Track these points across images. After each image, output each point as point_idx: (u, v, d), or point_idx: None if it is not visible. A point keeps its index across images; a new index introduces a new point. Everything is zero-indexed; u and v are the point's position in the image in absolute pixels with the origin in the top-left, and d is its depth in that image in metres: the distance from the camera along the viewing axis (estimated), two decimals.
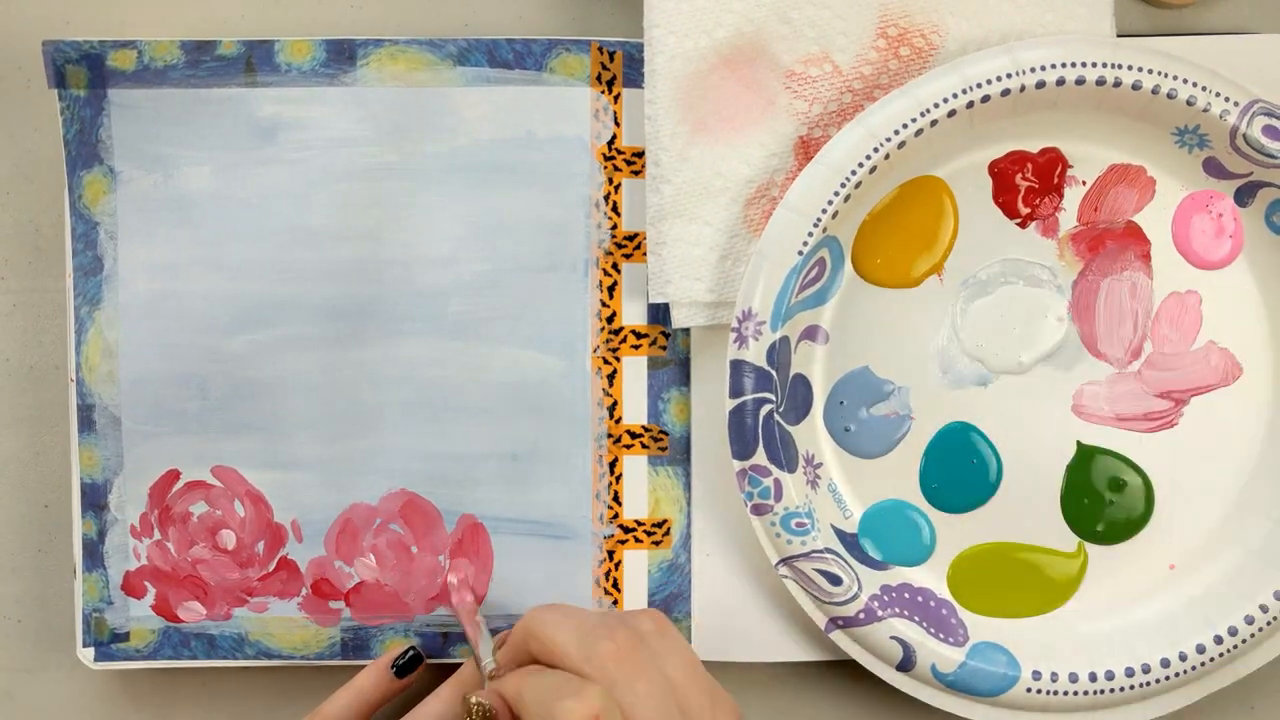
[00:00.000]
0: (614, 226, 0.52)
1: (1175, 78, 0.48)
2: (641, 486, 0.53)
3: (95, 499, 0.52)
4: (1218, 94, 0.48)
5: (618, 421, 0.52)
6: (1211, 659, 0.49)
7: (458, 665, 0.52)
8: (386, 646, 0.53)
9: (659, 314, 0.52)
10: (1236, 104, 0.48)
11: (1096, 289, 0.51)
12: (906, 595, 0.51)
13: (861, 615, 0.50)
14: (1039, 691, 0.50)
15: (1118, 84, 0.48)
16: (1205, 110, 0.48)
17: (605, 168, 0.52)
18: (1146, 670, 0.49)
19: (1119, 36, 0.50)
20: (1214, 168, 0.50)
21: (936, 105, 0.48)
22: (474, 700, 0.43)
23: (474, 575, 0.52)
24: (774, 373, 0.49)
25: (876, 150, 0.48)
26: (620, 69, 0.52)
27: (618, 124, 0.52)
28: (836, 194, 0.48)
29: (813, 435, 0.51)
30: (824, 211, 0.48)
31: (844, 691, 0.54)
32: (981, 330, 0.51)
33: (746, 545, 0.52)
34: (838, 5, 0.50)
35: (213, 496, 0.52)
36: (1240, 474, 0.52)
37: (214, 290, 0.52)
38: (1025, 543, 0.52)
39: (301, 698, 0.54)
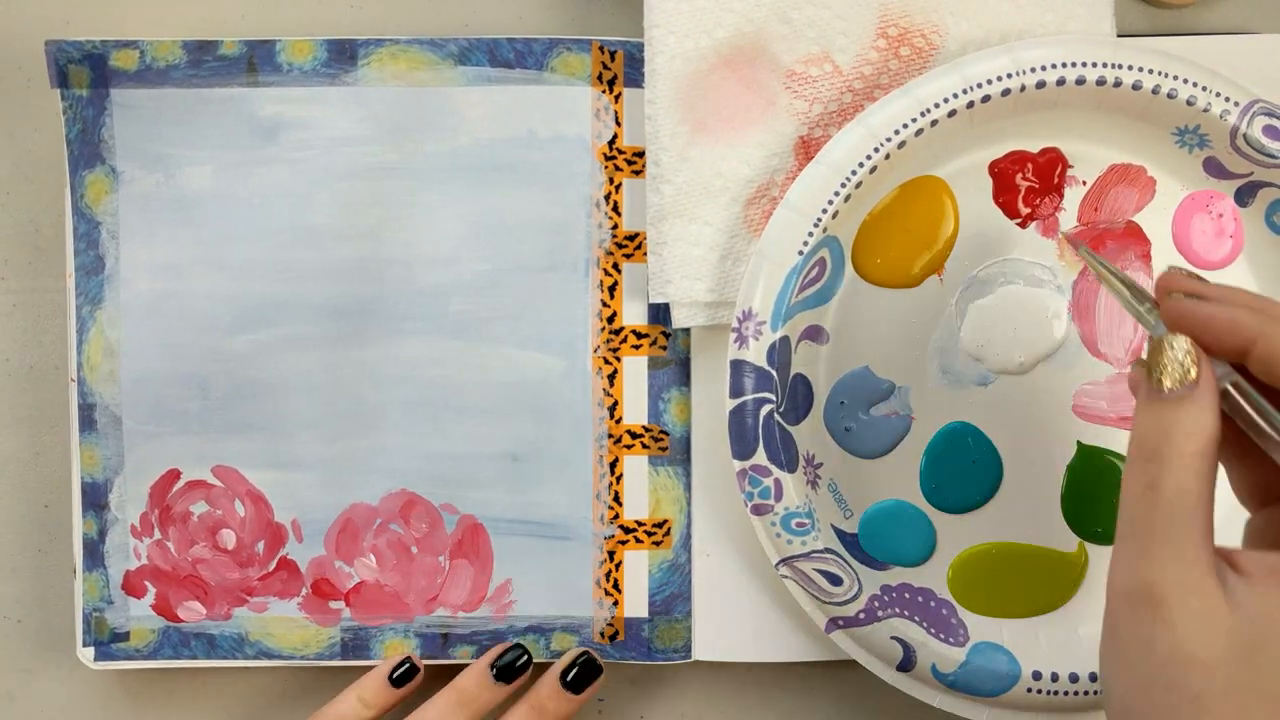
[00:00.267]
0: (615, 226, 0.52)
1: (1175, 78, 0.48)
2: (642, 487, 0.53)
3: (96, 498, 0.52)
4: (1218, 94, 0.48)
5: (618, 421, 0.52)
6: None
7: (458, 666, 0.52)
8: (386, 647, 0.53)
9: (659, 314, 0.52)
10: (1237, 104, 0.48)
11: (1097, 289, 0.51)
12: (907, 595, 0.51)
13: (862, 615, 0.50)
14: (1039, 692, 0.50)
15: (1118, 84, 0.48)
16: (1205, 110, 0.48)
17: (606, 167, 0.52)
18: None
19: (1119, 36, 0.50)
20: (1214, 168, 0.50)
21: (937, 105, 0.48)
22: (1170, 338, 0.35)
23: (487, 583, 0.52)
24: (774, 373, 0.49)
25: (877, 150, 0.48)
26: (621, 68, 0.52)
27: (619, 124, 0.52)
28: (837, 194, 0.48)
29: (813, 435, 0.51)
30: (824, 211, 0.48)
31: (844, 691, 0.54)
32: (982, 330, 0.51)
33: (746, 545, 0.52)
34: (838, 5, 0.50)
35: (213, 496, 0.52)
36: None
37: (215, 290, 0.52)
38: (1026, 543, 0.52)
39: (301, 698, 0.54)
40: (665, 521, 0.53)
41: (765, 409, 0.49)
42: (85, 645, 0.52)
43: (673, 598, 0.53)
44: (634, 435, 0.52)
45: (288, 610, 0.53)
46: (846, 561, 0.50)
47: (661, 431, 0.53)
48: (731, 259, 0.50)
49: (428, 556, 0.53)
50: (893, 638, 0.50)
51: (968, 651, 0.50)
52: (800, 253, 0.48)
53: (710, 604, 0.53)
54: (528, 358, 0.52)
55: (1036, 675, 0.50)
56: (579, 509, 0.53)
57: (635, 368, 0.53)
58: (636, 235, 0.52)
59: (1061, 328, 0.51)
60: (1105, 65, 0.48)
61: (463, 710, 0.50)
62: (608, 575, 0.52)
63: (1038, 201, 0.51)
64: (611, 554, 0.52)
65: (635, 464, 0.53)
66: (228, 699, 0.54)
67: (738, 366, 0.49)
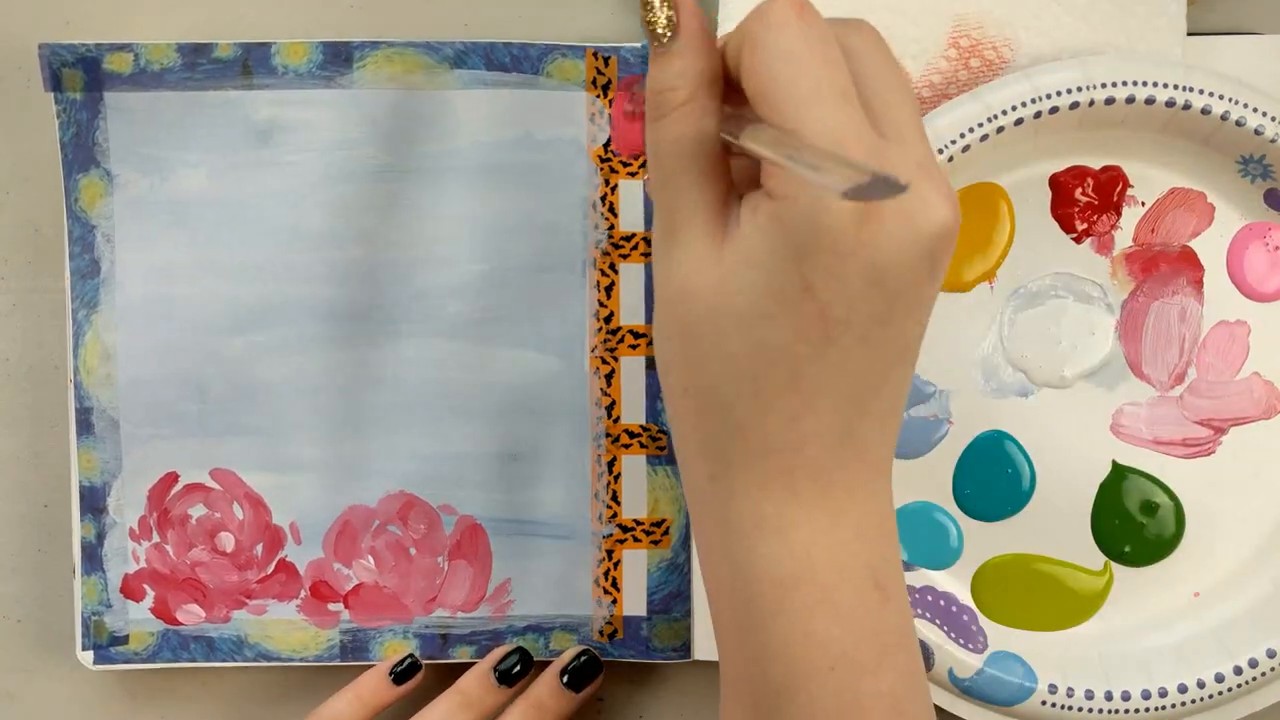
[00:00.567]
0: (611, 227, 0.52)
1: (1245, 105, 0.48)
2: (640, 486, 0.53)
3: (94, 502, 0.52)
4: None
5: (616, 421, 0.52)
6: (1230, 689, 0.49)
7: (457, 666, 0.52)
8: (385, 648, 0.53)
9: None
10: None
11: (1146, 311, 0.51)
12: (929, 598, 0.51)
13: None
14: (1054, 705, 0.49)
15: (1187, 106, 0.48)
16: (1273, 141, 0.48)
17: (602, 169, 0.52)
18: (1164, 694, 0.49)
19: None
20: (1275, 199, 0.50)
21: (1004, 112, 0.48)
22: None
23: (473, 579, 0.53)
24: None
25: (941, 152, 0.48)
26: (615, 74, 0.51)
27: (613, 126, 0.52)
28: None
29: None
30: None
31: None
32: (1028, 341, 0.51)
33: None
34: (912, 11, 0.50)
35: (211, 499, 0.53)
36: (1274, 508, 0.52)
37: (212, 293, 0.52)
38: (1052, 556, 0.52)
39: (300, 699, 0.54)
40: (664, 521, 0.53)
41: None
42: (85, 649, 0.53)
43: (671, 597, 0.53)
44: (632, 435, 0.52)
45: (286, 613, 0.53)
46: None
47: (660, 431, 0.53)
48: None
49: (426, 557, 0.53)
50: None
51: (986, 659, 0.50)
52: None
53: None
54: (525, 358, 0.52)
55: (1053, 689, 0.50)
56: (577, 508, 0.53)
57: (633, 367, 0.53)
58: (633, 235, 0.52)
59: (1107, 346, 0.51)
60: (1176, 87, 0.48)
61: (465, 713, 0.50)
62: (606, 574, 0.53)
63: (1095, 218, 0.51)
64: (610, 553, 0.53)
65: (633, 463, 0.53)
66: (228, 698, 0.55)
67: None
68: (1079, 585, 0.52)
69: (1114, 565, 0.52)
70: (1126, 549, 0.52)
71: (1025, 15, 0.50)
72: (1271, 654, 0.49)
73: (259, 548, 0.53)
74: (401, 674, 0.51)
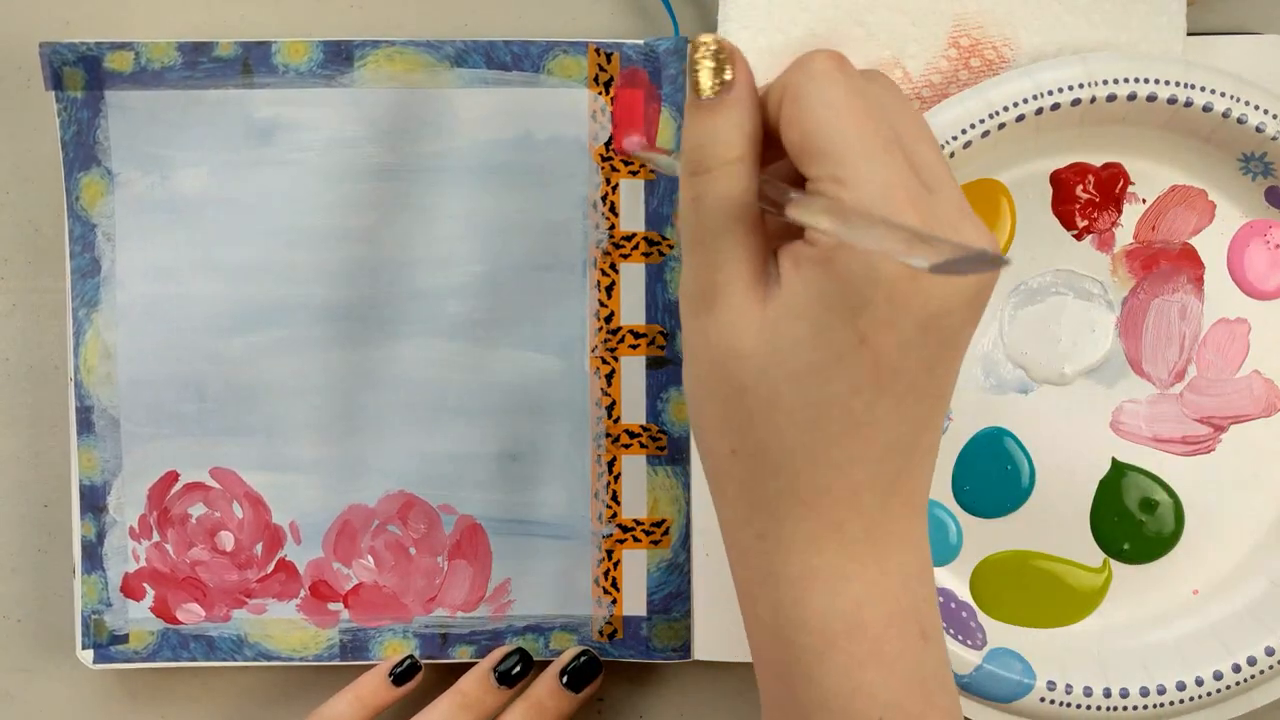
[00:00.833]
0: (612, 226, 0.52)
1: (1247, 103, 0.48)
2: (640, 486, 0.53)
3: (94, 501, 0.52)
4: None
5: (616, 421, 0.52)
6: (1228, 686, 0.49)
7: (457, 666, 0.52)
8: (385, 648, 0.53)
9: (657, 313, 0.52)
10: None
11: (1146, 308, 0.51)
12: None
13: None
14: (1052, 702, 0.49)
15: (1189, 104, 0.48)
16: (1275, 138, 0.48)
17: (603, 168, 0.52)
18: (1162, 691, 0.49)
19: None
20: (1276, 197, 0.50)
21: (1006, 109, 0.48)
22: (704, 39, 0.36)
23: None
24: None
25: (943, 147, 0.48)
26: (617, 70, 0.51)
27: (613, 126, 0.52)
28: None
29: None
30: None
31: None
32: (1028, 338, 0.51)
33: None
34: (913, 11, 0.50)
35: (211, 498, 0.53)
36: (1273, 506, 0.52)
37: (212, 292, 0.52)
38: (1051, 554, 0.52)
39: (300, 698, 0.54)
40: (664, 521, 0.53)
41: None
42: (84, 648, 0.53)
43: (671, 597, 0.53)
44: (632, 435, 0.52)
45: (286, 612, 0.53)
46: None
47: (660, 431, 0.53)
48: None
49: (426, 557, 0.53)
50: None
51: (984, 655, 0.50)
52: None
53: (710, 603, 0.53)
54: (525, 358, 0.52)
55: (1051, 685, 0.49)
56: (577, 508, 0.53)
57: (633, 367, 0.53)
58: (634, 235, 0.52)
59: (1107, 343, 0.51)
60: (1177, 84, 0.48)
61: (465, 713, 0.50)
62: (606, 574, 0.53)
63: (1095, 215, 0.51)
64: (610, 553, 0.53)
65: (633, 463, 0.53)
66: (228, 698, 0.55)
67: None
68: (1078, 582, 0.52)
69: (1113, 562, 0.52)
70: (1126, 546, 0.52)
71: (1025, 14, 0.50)
72: (1270, 652, 0.49)
73: (259, 547, 0.53)
74: (401, 675, 0.51)
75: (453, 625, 0.53)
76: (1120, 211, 0.51)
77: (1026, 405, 0.51)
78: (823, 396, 0.35)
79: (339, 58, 0.51)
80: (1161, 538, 0.52)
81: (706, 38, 0.35)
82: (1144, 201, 0.51)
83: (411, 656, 0.52)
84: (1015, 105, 0.48)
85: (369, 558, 0.53)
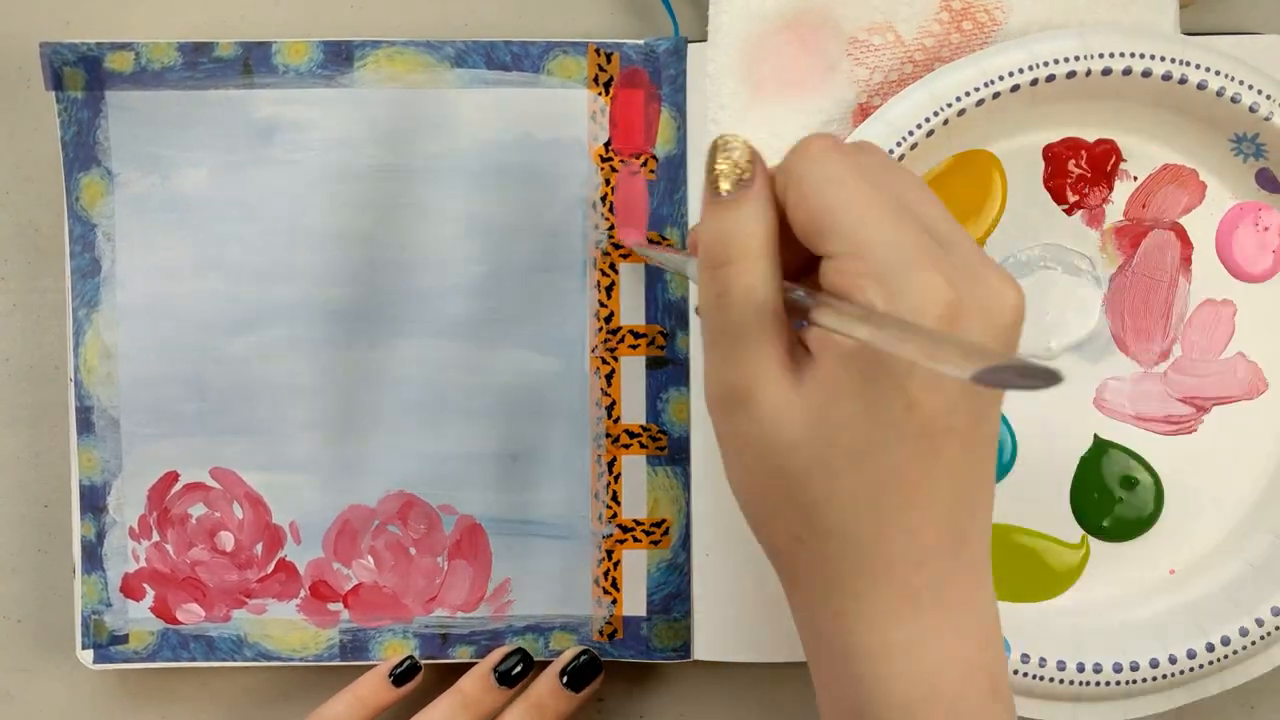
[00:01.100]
0: (611, 226, 0.52)
1: (1241, 82, 0.48)
2: (640, 486, 0.53)
3: (94, 501, 0.52)
4: None
5: (616, 421, 0.52)
6: (1201, 665, 0.49)
7: (457, 666, 0.52)
8: (385, 648, 0.53)
9: (656, 313, 0.52)
10: None
11: (1133, 286, 0.51)
12: None
13: None
14: (1026, 675, 0.49)
15: (1183, 80, 0.48)
16: (1267, 119, 0.48)
17: (602, 169, 0.52)
18: (1135, 669, 0.49)
19: None
20: (1266, 180, 0.50)
21: (1002, 78, 0.48)
22: (724, 138, 0.36)
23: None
24: None
25: (937, 114, 0.48)
26: (617, 70, 0.51)
27: (615, 125, 0.52)
28: (890, 153, 0.48)
29: None
30: None
31: None
32: None
33: (746, 545, 0.52)
34: None
35: (211, 498, 0.53)
36: (1253, 489, 0.52)
37: (212, 292, 0.52)
38: (1030, 529, 0.52)
39: (300, 699, 0.54)
40: (664, 521, 0.53)
41: None
42: (84, 648, 0.53)
43: (671, 597, 0.53)
44: (632, 435, 0.52)
45: (286, 612, 0.53)
46: None
47: (660, 431, 0.53)
48: None
49: (426, 557, 0.53)
50: None
51: None
52: None
53: (710, 604, 0.53)
54: (525, 358, 0.52)
55: (1025, 659, 0.49)
56: (577, 508, 0.53)
57: (633, 367, 0.53)
58: None
59: (1094, 319, 0.51)
60: (1173, 60, 0.48)
61: (465, 713, 0.50)
62: (606, 574, 0.53)
63: (1087, 191, 0.51)
64: (610, 553, 0.53)
65: (633, 463, 0.53)
66: (228, 698, 0.55)
67: None
68: (1056, 559, 0.52)
69: (1091, 540, 0.52)
70: (1105, 524, 0.52)
71: None
72: (1244, 632, 0.49)
73: (259, 547, 0.53)
74: (401, 675, 0.51)
75: (453, 625, 0.53)
76: (1111, 188, 0.51)
77: None
78: (881, 470, 0.34)
79: (339, 58, 0.51)
80: (1141, 517, 0.52)
81: (728, 138, 0.36)
82: (1135, 179, 0.51)
83: (411, 657, 0.52)
84: (1011, 75, 0.48)
85: (369, 558, 0.53)
